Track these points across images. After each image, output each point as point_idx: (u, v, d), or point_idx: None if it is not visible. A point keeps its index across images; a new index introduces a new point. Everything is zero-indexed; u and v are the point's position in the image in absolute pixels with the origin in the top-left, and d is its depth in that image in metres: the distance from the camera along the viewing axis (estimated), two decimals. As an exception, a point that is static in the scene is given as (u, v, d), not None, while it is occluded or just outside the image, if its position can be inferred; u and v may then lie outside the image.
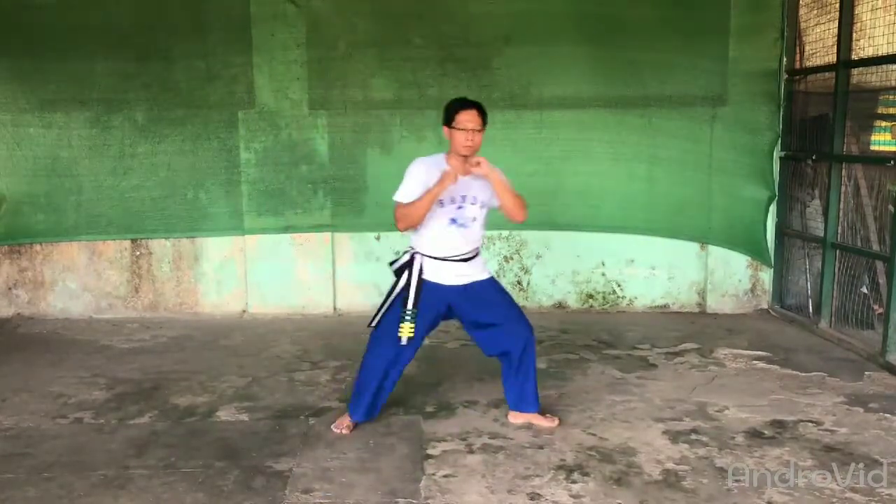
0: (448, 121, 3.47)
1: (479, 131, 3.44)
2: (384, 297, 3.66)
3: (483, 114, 3.47)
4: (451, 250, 3.53)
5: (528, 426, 3.70)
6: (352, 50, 5.73)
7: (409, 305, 3.49)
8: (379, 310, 3.63)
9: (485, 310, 3.60)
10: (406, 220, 3.45)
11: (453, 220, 3.50)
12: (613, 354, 4.90)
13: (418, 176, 3.46)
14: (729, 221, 5.92)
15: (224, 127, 5.78)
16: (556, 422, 3.71)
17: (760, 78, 5.68)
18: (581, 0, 5.69)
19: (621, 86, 5.77)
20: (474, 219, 3.53)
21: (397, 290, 3.57)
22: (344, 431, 3.63)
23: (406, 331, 3.48)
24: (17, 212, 5.81)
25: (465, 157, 3.46)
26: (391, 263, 3.69)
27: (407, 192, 3.46)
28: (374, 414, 3.70)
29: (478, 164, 3.41)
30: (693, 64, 5.73)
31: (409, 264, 3.56)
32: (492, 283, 3.68)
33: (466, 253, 3.56)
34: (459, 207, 3.50)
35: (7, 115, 5.69)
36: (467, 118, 3.41)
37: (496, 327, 3.62)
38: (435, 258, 3.53)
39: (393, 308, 3.56)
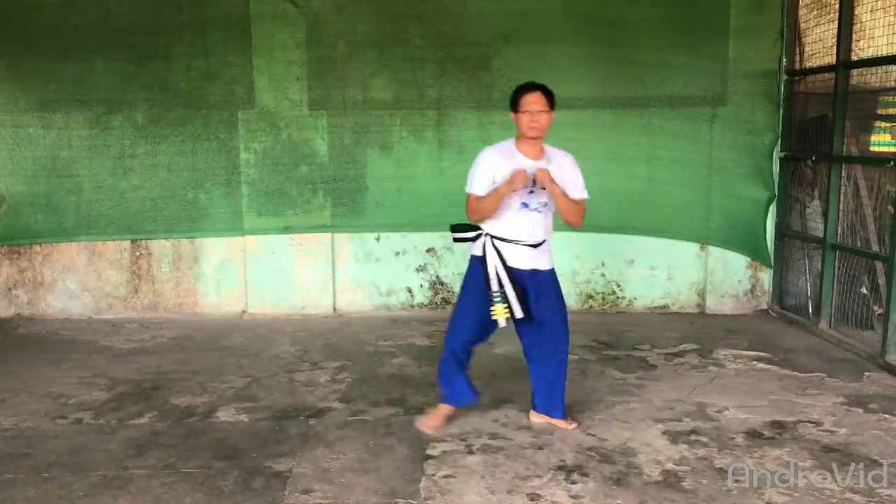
0: (514, 106, 3.48)
1: (544, 112, 3.43)
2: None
3: (548, 95, 3.46)
4: (520, 234, 3.50)
5: (528, 427, 3.70)
6: (352, 50, 5.73)
7: (494, 287, 3.47)
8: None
9: (539, 300, 3.56)
10: (477, 214, 3.48)
11: (525, 205, 3.47)
12: (613, 355, 4.90)
13: (486, 166, 3.47)
14: (729, 222, 5.92)
15: (224, 127, 5.78)
16: (574, 425, 3.69)
17: (760, 78, 5.68)
18: (581, 0, 5.69)
19: (621, 86, 5.77)
20: (545, 204, 3.50)
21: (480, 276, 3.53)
22: (437, 423, 3.66)
23: (500, 312, 3.46)
24: (17, 212, 5.82)
25: (534, 138, 3.45)
26: (455, 229, 3.63)
27: (477, 183, 3.46)
28: (476, 392, 3.72)
29: (545, 177, 3.38)
30: (693, 64, 5.73)
31: (482, 247, 3.53)
32: (552, 276, 3.64)
33: (537, 239, 3.53)
34: (531, 192, 3.46)
35: (7, 115, 5.69)
36: (531, 100, 3.42)
37: (538, 323, 3.57)
38: (504, 240, 3.51)
39: (466, 298, 3.58)
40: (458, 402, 3.71)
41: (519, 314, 3.47)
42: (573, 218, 3.49)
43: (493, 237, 3.51)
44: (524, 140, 3.49)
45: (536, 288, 3.55)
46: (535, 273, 3.55)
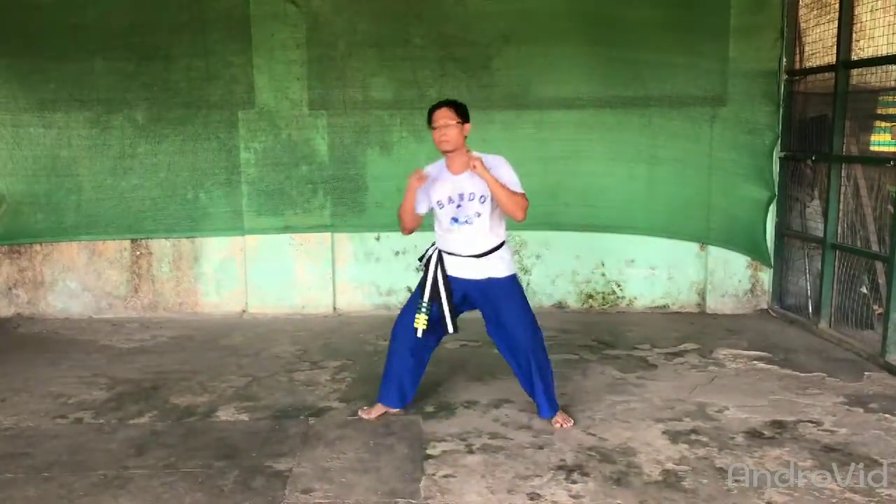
0: (429, 125, 3.65)
1: (451, 125, 3.55)
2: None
3: (455, 107, 3.60)
4: (460, 247, 3.62)
5: (528, 426, 3.70)
6: (352, 50, 5.74)
7: (425, 298, 3.62)
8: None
9: (495, 307, 3.66)
10: (401, 223, 3.68)
11: (454, 220, 3.59)
12: (613, 354, 4.90)
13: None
14: (729, 222, 5.92)
15: (224, 127, 5.79)
16: (570, 423, 3.72)
17: (760, 78, 5.68)
18: (581, 0, 5.69)
19: (621, 86, 5.77)
20: (478, 214, 3.57)
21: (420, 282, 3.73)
22: (369, 416, 3.78)
23: (420, 322, 3.61)
24: (17, 212, 5.82)
25: (450, 152, 3.58)
26: (420, 258, 3.83)
27: None
28: (406, 401, 3.84)
29: (474, 166, 3.49)
30: (693, 64, 5.73)
31: (430, 258, 3.70)
32: (512, 283, 3.69)
33: (478, 250, 3.61)
34: (458, 206, 3.59)
35: (7, 114, 5.69)
36: (438, 116, 3.60)
37: (503, 329, 3.67)
38: (450, 254, 3.65)
39: (413, 300, 3.73)
40: (382, 400, 3.83)
41: (451, 329, 3.65)
42: (512, 209, 3.52)
43: (440, 251, 3.68)
44: (449, 156, 3.62)
45: (494, 295, 3.64)
46: (490, 281, 3.64)
